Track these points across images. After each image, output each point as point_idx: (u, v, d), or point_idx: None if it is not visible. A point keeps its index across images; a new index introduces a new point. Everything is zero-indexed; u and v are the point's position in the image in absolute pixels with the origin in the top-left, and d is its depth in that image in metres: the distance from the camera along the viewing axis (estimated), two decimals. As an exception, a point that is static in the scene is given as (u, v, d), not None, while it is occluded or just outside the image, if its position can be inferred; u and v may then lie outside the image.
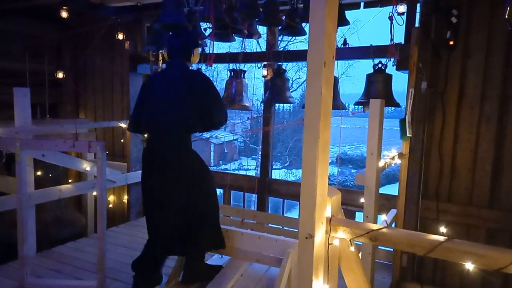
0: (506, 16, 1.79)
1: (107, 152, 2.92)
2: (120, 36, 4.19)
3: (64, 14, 3.86)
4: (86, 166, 3.87)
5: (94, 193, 4.17)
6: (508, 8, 1.79)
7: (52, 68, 4.68)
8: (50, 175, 4.24)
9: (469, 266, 1.25)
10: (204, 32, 3.30)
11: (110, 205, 4.89)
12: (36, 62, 4.60)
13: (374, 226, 1.41)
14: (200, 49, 3.53)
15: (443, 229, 2.98)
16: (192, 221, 2.50)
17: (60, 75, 4.62)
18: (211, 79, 2.60)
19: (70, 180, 4.82)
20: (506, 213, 2.85)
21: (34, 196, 3.27)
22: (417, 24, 3.00)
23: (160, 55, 3.82)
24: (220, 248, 2.61)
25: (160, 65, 3.93)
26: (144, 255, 2.59)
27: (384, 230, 1.37)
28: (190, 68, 2.63)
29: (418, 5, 3.02)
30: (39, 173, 3.86)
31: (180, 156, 2.44)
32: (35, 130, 3.50)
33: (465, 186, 3.00)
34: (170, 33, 2.78)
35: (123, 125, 4.44)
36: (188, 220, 2.50)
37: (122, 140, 4.81)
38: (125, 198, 4.77)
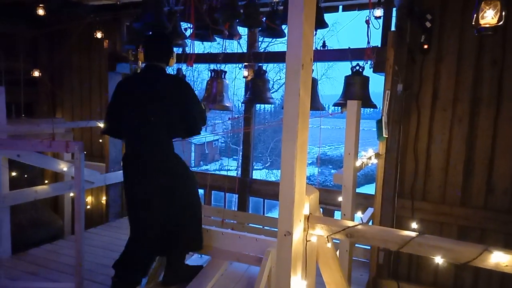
0: (473, 23, 1.88)
1: (85, 152, 2.88)
2: (99, 35, 4.14)
3: (40, 12, 3.78)
4: (63, 167, 3.80)
5: (71, 194, 4.10)
6: (475, 16, 1.87)
7: (28, 67, 4.58)
8: (26, 176, 4.14)
9: (439, 260, 1.31)
10: (184, 32, 3.29)
11: (88, 206, 4.81)
12: (11, 60, 4.49)
13: (350, 223, 1.46)
14: (180, 49, 3.54)
15: (417, 227, 3.08)
16: (175, 222, 2.51)
17: (36, 73, 4.52)
18: (192, 79, 2.57)
19: (46, 181, 4.71)
20: (476, 211, 2.97)
21: (9, 197, 3.19)
22: (393, 28, 3.09)
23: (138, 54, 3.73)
24: (198, 249, 2.61)
25: (140, 64, 3.86)
26: (127, 256, 2.55)
27: (359, 226, 1.42)
28: (167, 72, 2.59)
29: (394, 9, 3.12)
30: (14, 173, 3.77)
31: (161, 160, 2.42)
32: (10, 129, 3.43)
33: (439, 185, 3.10)
34: (149, 34, 2.72)
35: (102, 124, 4.37)
36: (172, 222, 2.50)
37: (100, 140, 4.74)
38: (103, 199, 4.70)
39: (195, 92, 2.57)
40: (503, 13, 1.84)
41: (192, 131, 2.55)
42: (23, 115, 4.52)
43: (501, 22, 1.85)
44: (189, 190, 2.57)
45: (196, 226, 2.59)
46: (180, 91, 2.44)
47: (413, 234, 1.34)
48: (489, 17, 1.85)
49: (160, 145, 2.42)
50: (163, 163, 2.43)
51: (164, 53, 2.53)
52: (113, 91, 2.56)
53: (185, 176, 2.56)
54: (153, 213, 2.46)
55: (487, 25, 1.85)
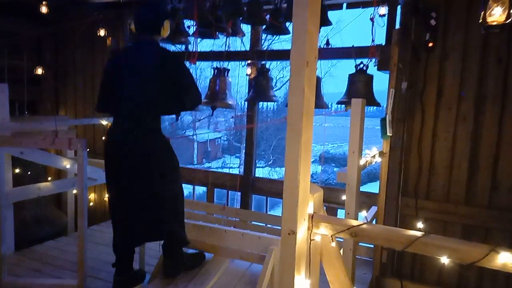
0: (480, 20, 1.86)
1: (88, 149, 2.88)
2: (102, 33, 4.13)
3: (43, 10, 3.77)
4: (66, 164, 3.81)
5: (75, 191, 4.11)
6: (482, 13, 1.85)
7: (31, 65, 4.57)
8: (29, 173, 4.15)
9: (445, 260, 1.30)
10: (187, 30, 3.29)
11: (91, 203, 4.82)
12: (15, 58, 4.49)
13: (354, 222, 1.45)
14: (183, 47, 3.53)
15: (421, 225, 3.06)
16: (158, 207, 2.39)
17: (40, 71, 4.52)
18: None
19: (49, 178, 4.72)
20: (481, 210, 2.95)
21: (12, 194, 3.20)
22: (397, 26, 3.07)
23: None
24: (183, 244, 2.55)
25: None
26: (115, 252, 2.53)
27: (364, 226, 1.41)
28: (160, 45, 2.43)
29: (399, 7, 3.09)
30: (17, 170, 3.78)
31: (146, 138, 2.32)
32: (14, 127, 3.42)
33: (443, 184, 3.08)
34: (137, 6, 2.57)
35: (104, 122, 4.38)
36: (154, 206, 2.38)
37: (103, 138, 4.74)
38: (107, 196, 4.70)
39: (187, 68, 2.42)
40: (511, 11, 1.82)
41: (180, 108, 2.44)
42: (26, 113, 4.52)
43: (510, 20, 1.83)
44: (171, 175, 2.42)
45: (176, 221, 2.49)
46: (168, 67, 2.29)
47: (419, 233, 1.33)
48: (497, 14, 1.82)
49: (145, 123, 2.31)
50: (147, 141, 2.31)
51: (153, 24, 2.34)
52: (103, 68, 2.48)
53: (170, 159, 2.43)
54: (136, 194, 2.35)
55: (495, 23, 1.82)
